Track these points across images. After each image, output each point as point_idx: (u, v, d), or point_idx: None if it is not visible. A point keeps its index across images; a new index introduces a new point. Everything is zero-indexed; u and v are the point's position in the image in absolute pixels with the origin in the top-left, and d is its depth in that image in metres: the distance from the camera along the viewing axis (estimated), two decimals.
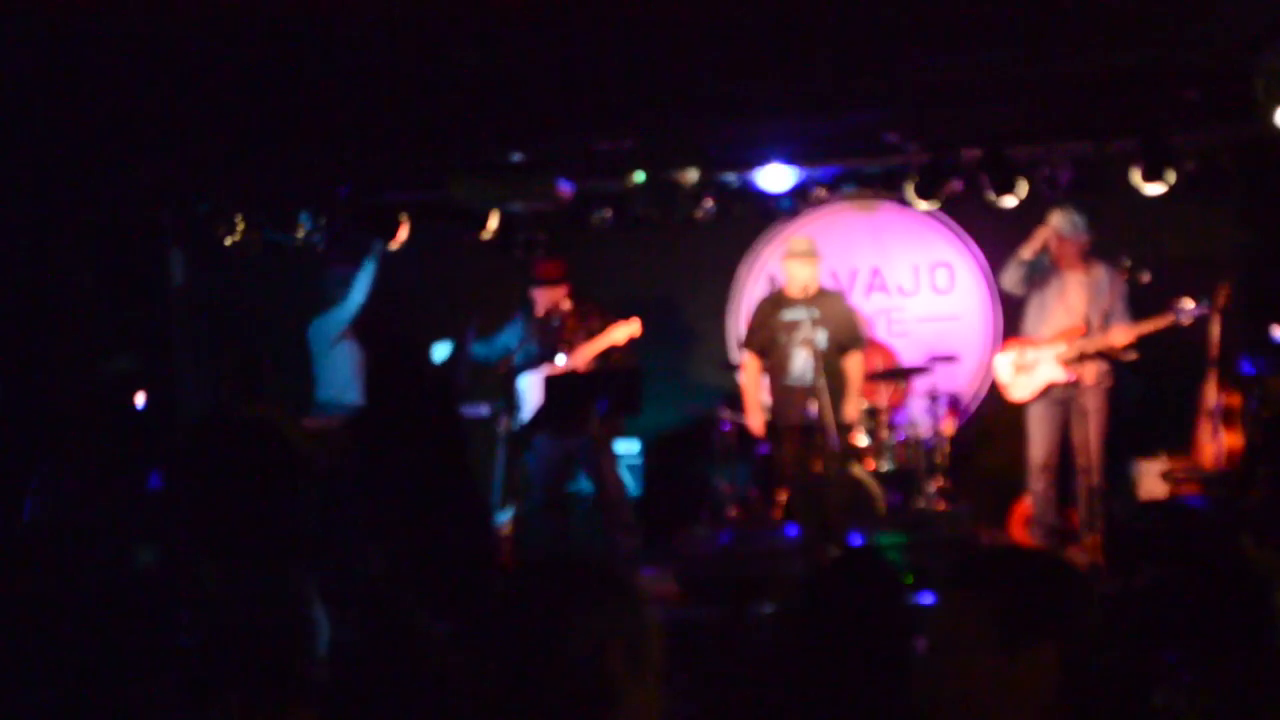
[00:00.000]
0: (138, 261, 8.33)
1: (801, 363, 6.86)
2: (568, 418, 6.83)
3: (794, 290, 6.99)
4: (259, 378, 5.17)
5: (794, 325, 6.92)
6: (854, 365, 7.00)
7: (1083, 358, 6.95)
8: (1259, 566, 2.74)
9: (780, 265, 7.21)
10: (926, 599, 6.20)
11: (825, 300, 7.02)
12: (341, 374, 7.55)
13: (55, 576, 6.39)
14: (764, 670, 4.48)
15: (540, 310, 7.19)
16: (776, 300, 7.12)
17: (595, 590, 1.86)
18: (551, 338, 7.15)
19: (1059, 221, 7.01)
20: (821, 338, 6.86)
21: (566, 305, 7.18)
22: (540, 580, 1.89)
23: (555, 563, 1.92)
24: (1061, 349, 6.98)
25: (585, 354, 7.05)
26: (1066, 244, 7.01)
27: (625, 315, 7.12)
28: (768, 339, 7.00)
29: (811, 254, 7.02)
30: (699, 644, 5.57)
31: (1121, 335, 6.89)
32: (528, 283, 7.30)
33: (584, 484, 7.28)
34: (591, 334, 7.08)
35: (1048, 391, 7.06)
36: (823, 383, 6.79)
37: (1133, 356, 6.96)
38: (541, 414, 7.01)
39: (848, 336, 6.97)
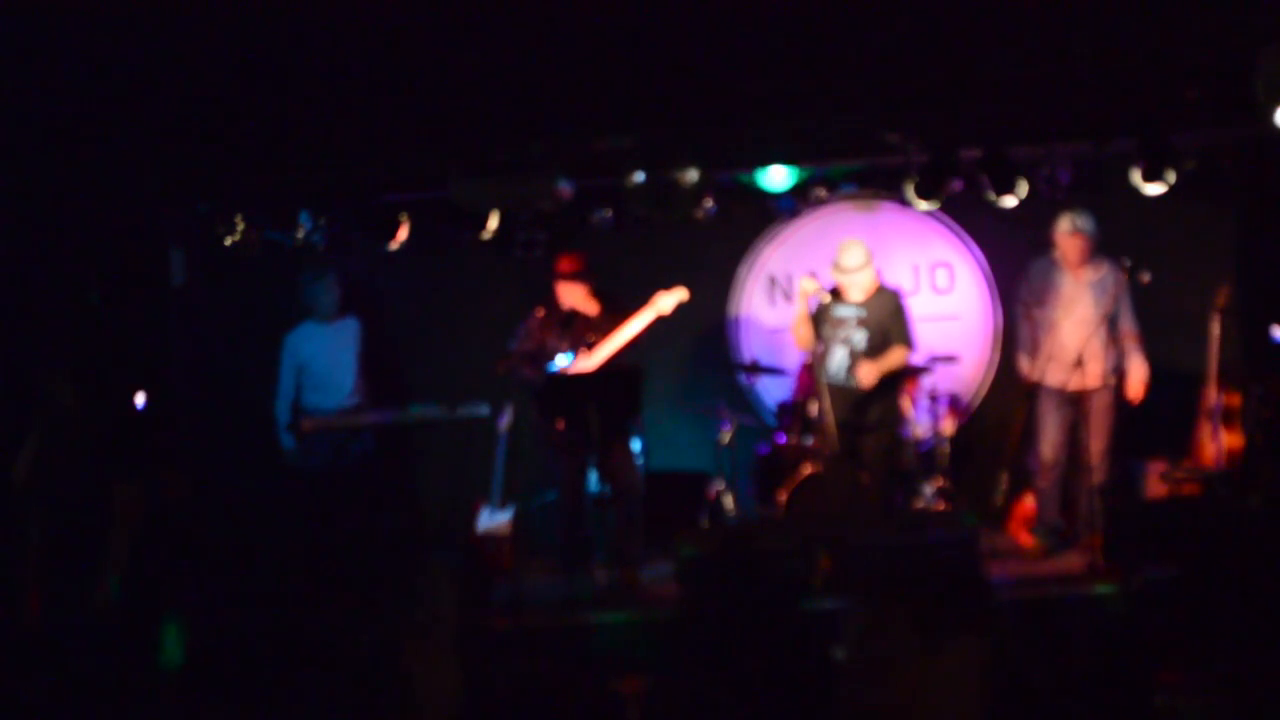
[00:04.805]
0: (138, 261, 8.32)
1: (839, 360, 7.04)
2: (568, 418, 6.81)
3: (853, 296, 7.09)
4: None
5: (840, 322, 7.07)
6: (894, 352, 7.04)
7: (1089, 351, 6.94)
8: None
9: (836, 277, 7.18)
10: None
11: (877, 300, 7.11)
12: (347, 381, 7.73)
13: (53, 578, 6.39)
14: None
15: (563, 305, 7.09)
16: (836, 296, 7.18)
17: None
18: (571, 334, 7.02)
19: (1064, 221, 7.05)
20: (860, 338, 7.02)
21: (585, 301, 7.06)
22: None
23: None
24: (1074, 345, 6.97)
25: (626, 333, 6.89)
26: (1071, 241, 7.02)
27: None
28: (819, 331, 7.09)
29: (865, 263, 7.09)
30: (699, 644, 5.56)
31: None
32: (550, 277, 7.18)
33: (602, 484, 7.19)
34: (607, 331, 6.95)
35: (1061, 389, 7.07)
36: (824, 384, 6.83)
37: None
38: (542, 414, 6.98)
39: (888, 336, 7.02)
